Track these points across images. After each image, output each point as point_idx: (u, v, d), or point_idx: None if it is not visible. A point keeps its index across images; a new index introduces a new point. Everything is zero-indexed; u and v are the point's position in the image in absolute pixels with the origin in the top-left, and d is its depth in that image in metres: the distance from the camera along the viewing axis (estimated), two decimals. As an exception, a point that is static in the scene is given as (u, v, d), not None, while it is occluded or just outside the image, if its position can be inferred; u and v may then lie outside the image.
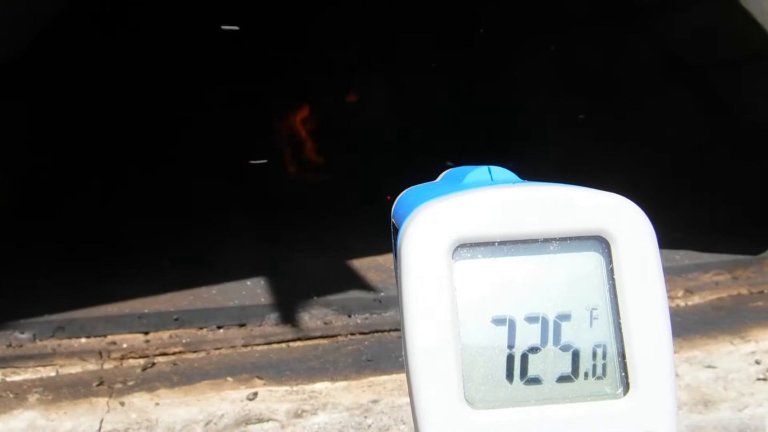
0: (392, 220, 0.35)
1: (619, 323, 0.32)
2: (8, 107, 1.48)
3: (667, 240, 1.45)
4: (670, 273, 1.29)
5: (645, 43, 1.60)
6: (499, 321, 0.31)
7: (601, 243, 0.32)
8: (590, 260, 0.32)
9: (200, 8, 1.93)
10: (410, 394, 0.30)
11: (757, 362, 0.99)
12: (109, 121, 1.97)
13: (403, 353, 0.31)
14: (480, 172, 0.35)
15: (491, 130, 2.08)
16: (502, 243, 0.32)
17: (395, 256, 0.33)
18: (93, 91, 1.91)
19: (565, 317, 0.32)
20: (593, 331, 0.32)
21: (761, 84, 1.38)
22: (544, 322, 0.32)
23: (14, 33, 1.24)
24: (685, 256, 1.37)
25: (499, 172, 0.35)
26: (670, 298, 1.21)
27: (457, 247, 0.31)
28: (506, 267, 0.32)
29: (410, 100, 2.20)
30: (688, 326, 1.07)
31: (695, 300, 1.21)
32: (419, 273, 0.31)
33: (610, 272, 0.32)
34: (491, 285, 0.32)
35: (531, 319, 0.32)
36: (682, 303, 1.20)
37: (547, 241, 0.32)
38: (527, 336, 0.31)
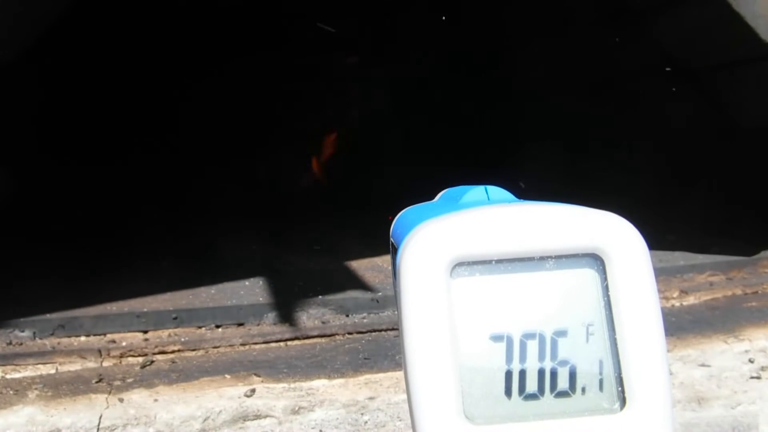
0: (391, 239, 0.35)
1: (615, 339, 0.32)
2: (4, 105, 1.48)
3: (663, 241, 1.47)
4: (666, 273, 1.30)
5: (640, 45, 1.60)
6: (497, 338, 0.32)
7: (596, 260, 0.33)
8: (585, 277, 0.33)
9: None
10: (410, 409, 0.31)
11: (751, 361, 0.99)
12: (107, 123, 1.97)
13: (403, 370, 0.31)
14: (477, 191, 0.36)
15: (487, 131, 2.08)
16: (499, 261, 0.32)
17: (394, 274, 0.33)
18: (92, 91, 1.91)
19: (561, 333, 0.32)
20: (590, 347, 0.32)
21: (755, 86, 1.38)
22: (542, 339, 0.32)
23: (14, 33, 1.23)
24: (680, 257, 1.38)
25: (495, 191, 0.36)
26: (666, 298, 1.22)
27: (455, 265, 0.32)
28: (503, 285, 0.32)
29: (409, 101, 2.20)
30: (682, 326, 1.08)
31: (690, 300, 1.22)
32: (418, 291, 0.31)
33: (605, 289, 0.33)
34: (489, 303, 0.32)
35: (528, 336, 0.32)
36: (677, 303, 1.21)
37: (543, 258, 0.33)
38: (525, 352, 0.32)
